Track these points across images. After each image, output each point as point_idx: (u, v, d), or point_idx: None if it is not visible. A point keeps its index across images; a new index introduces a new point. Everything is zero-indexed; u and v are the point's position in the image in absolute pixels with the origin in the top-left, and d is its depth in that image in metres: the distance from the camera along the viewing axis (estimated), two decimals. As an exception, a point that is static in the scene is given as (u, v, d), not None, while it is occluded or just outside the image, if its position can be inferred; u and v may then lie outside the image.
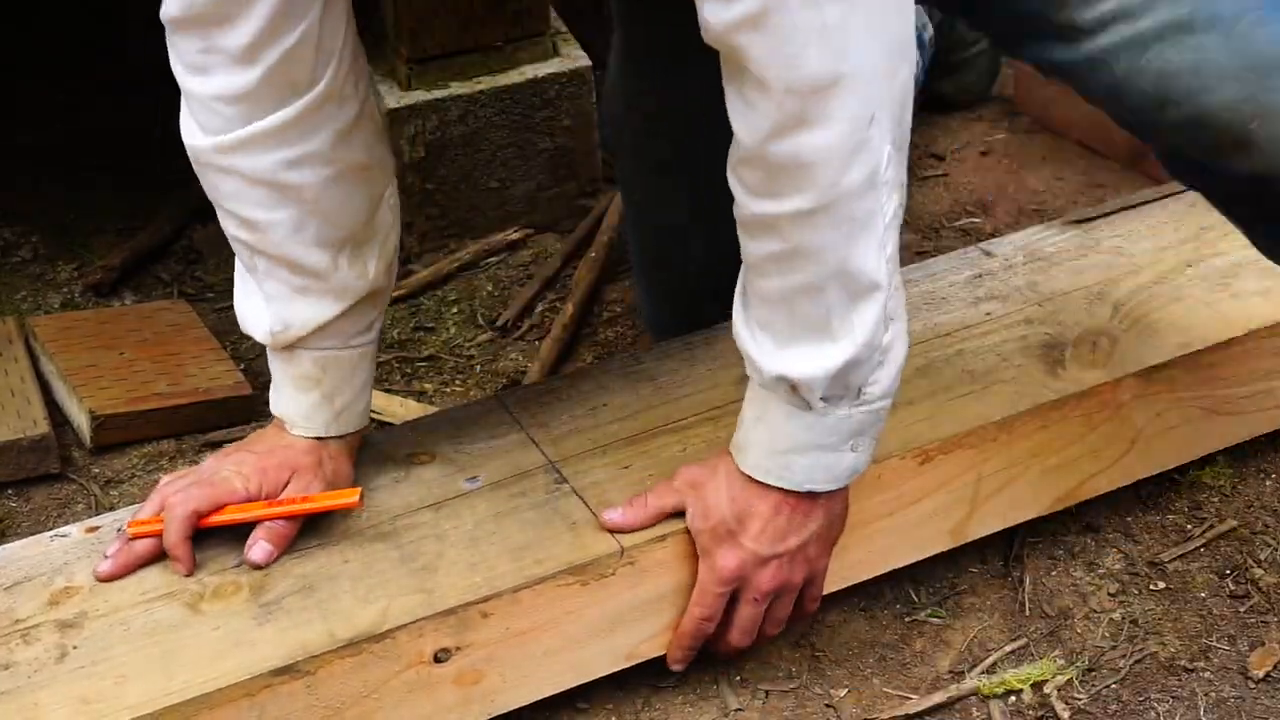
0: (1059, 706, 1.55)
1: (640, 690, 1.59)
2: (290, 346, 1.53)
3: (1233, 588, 1.67)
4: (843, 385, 1.40)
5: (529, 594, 1.46)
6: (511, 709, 1.50)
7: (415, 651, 1.44)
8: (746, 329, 1.43)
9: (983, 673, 1.59)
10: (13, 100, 2.46)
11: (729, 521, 1.47)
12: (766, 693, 1.58)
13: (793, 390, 1.40)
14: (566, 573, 1.48)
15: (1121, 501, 1.76)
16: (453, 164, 2.23)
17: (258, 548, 1.48)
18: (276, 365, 1.56)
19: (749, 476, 1.47)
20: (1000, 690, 1.57)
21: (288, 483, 1.52)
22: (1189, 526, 1.75)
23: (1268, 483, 1.79)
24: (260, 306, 1.53)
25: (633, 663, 1.55)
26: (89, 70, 2.51)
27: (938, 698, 1.57)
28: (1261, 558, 1.70)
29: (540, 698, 1.51)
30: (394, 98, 2.12)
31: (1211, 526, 1.74)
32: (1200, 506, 1.77)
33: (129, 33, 2.57)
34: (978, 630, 1.64)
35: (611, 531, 1.50)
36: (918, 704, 1.56)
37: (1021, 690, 1.57)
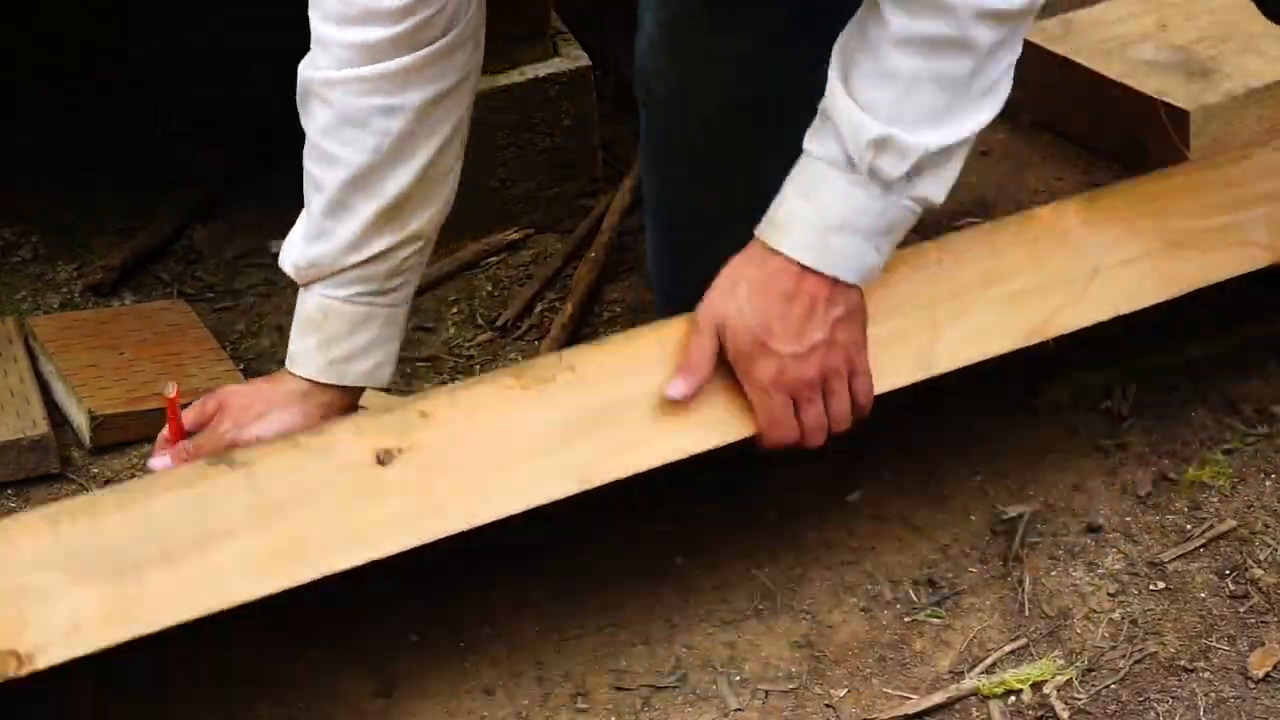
0: (1059, 706, 1.55)
1: (640, 690, 1.59)
2: (307, 284, 1.60)
3: (1232, 588, 1.67)
4: (919, 167, 1.45)
5: (466, 394, 1.47)
6: (467, 529, 1.47)
7: (355, 449, 1.44)
8: (847, 96, 1.45)
9: (982, 673, 1.59)
10: (13, 100, 2.46)
11: (756, 332, 1.48)
12: (766, 693, 1.58)
13: (879, 153, 1.44)
14: (505, 374, 1.48)
15: (1121, 501, 1.76)
16: (453, 164, 2.23)
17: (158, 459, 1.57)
18: (298, 302, 1.62)
19: (775, 269, 1.48)
20: (1000, 690, 1.57)
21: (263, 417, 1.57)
22: (1189, 526, 1.75)
23: (1268, 483, 1.79)
24: (298, 240, 1.61)
25: (590, 486, 1.52)
26: (89, 70, 2.51)
27: (937, 698, 1.57)
28: (1261, 558, 1.70)
29: (497, 518, 1.48)
30: (394, 98, 2.11)
31: (1211, 526, 1.74)
32: (1200, 506, 1.77)
33: (129, 33, 2.58)
34: (977, 630, 1.64)
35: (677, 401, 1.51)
36: (917, 704, 1.56)
37: (1021, 690, 1.57)
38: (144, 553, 1.38)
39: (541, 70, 2.20)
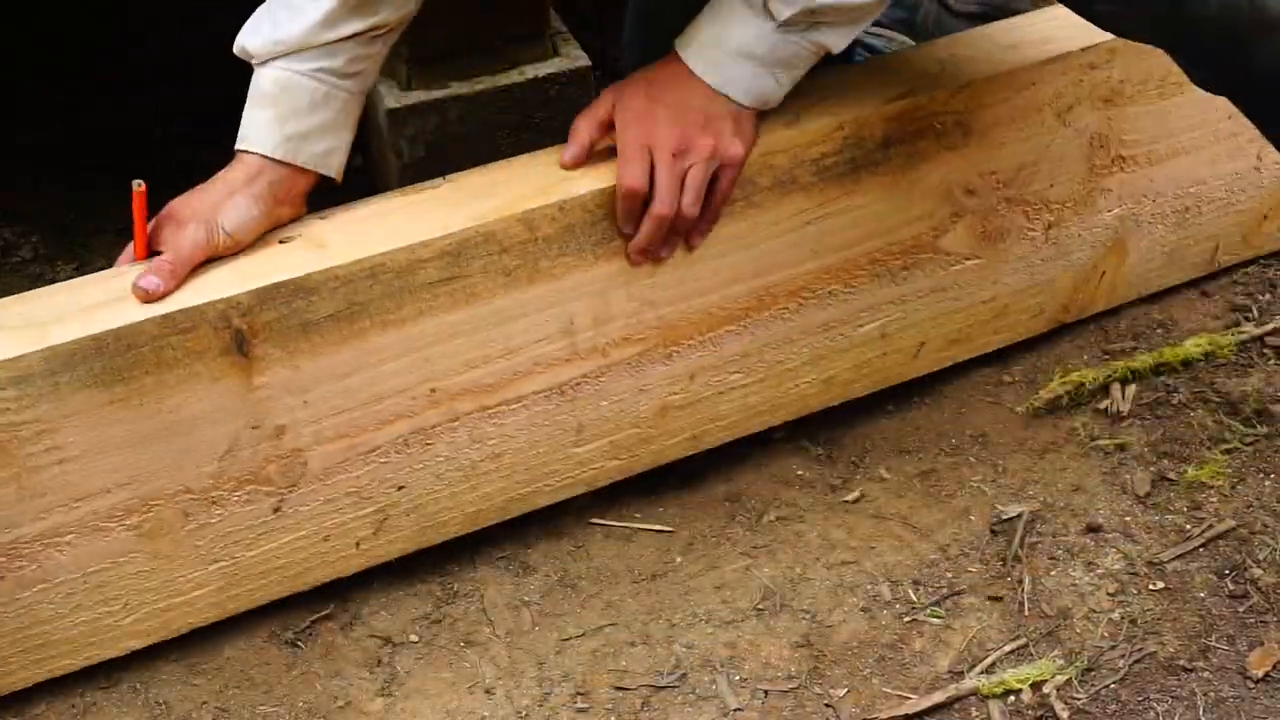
0: (1058, 706, 1.55)
1: (640, 690, 1.59)
2: (265, 61, 1.61)
3: (1232, 587, 1.67)
4: (814, 17, 1.54)
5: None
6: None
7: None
8: None
9: (982, 673, 1.59)
10: (13, 100, 2.46)
11: (644, 100, 1.59)
12: (766, 693, 1.58)
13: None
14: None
15: (1121, 501, 1.76)
16: (453, 164, 2.22)
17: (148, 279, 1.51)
18: (253, 81, 1.62)
19: (679, 71, 1.59)
20: (999, 690, 1.57)
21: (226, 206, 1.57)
22: (1188, 526, 1.75)
23: (1267, 483, 1.79)
24: (261, 22, 1.63)
25: (474, 224, 1.57)
26: (89, 70, 2.51)
27: (937, 698, 1.57)
28: (1261, 557, 1.70)
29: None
30: (394, 98, 2.11)
31: (1211, 526, 1.74)
32: (1199, 506, 1.77)
33: (129, 33, 2.58)
34: (977, 630, 1.64)
35: (567, 168, 1.62)
36: (917, 704, 1.56)
37: (1021, 690, 1.57)
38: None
39: (541, 70, 2.19)
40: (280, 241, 1.55)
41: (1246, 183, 2.01)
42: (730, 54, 1.57)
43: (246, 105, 1.62)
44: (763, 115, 1.63)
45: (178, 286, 1.51)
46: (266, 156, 1.59)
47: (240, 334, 1.48)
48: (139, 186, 1.54)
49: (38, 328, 1.44)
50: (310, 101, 1.60)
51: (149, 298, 1.49)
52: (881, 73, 1.77)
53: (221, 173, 1.61)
